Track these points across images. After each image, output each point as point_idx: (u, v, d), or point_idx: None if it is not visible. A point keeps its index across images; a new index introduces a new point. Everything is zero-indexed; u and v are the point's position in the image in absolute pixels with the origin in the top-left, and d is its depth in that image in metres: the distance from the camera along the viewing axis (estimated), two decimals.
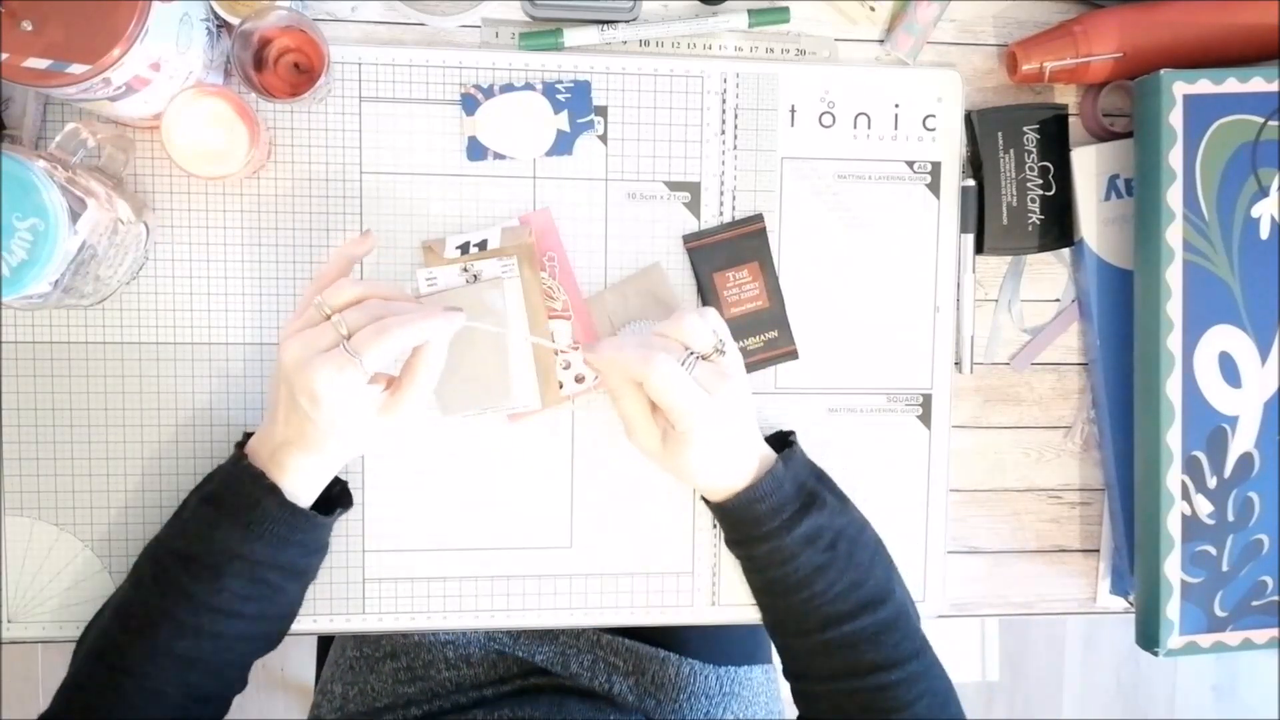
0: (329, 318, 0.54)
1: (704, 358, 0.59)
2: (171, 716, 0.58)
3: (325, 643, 0.96)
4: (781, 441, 0.66)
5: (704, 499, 0.66)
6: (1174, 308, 0.64)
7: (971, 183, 0.70)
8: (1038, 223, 0.70)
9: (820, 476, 0.65)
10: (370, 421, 0.56)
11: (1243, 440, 0.66)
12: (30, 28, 0.50)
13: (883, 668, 0.61)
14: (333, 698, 0.83)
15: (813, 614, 0.62)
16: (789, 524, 0.61)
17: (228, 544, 0.57)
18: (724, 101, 0.68)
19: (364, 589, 0.68)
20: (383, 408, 0.56)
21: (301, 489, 0.59)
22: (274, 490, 0.57)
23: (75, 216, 0.53)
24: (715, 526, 0.70)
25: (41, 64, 0.51)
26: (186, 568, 0.58)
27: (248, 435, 0.62)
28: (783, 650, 0.66)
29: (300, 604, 0.64)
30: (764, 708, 0.88)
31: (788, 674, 0.66)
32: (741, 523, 0.62)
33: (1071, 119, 0.70)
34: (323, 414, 0.54)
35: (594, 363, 0.60)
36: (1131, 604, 0.72)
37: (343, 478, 0.66)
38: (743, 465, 0.61)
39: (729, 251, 0.68)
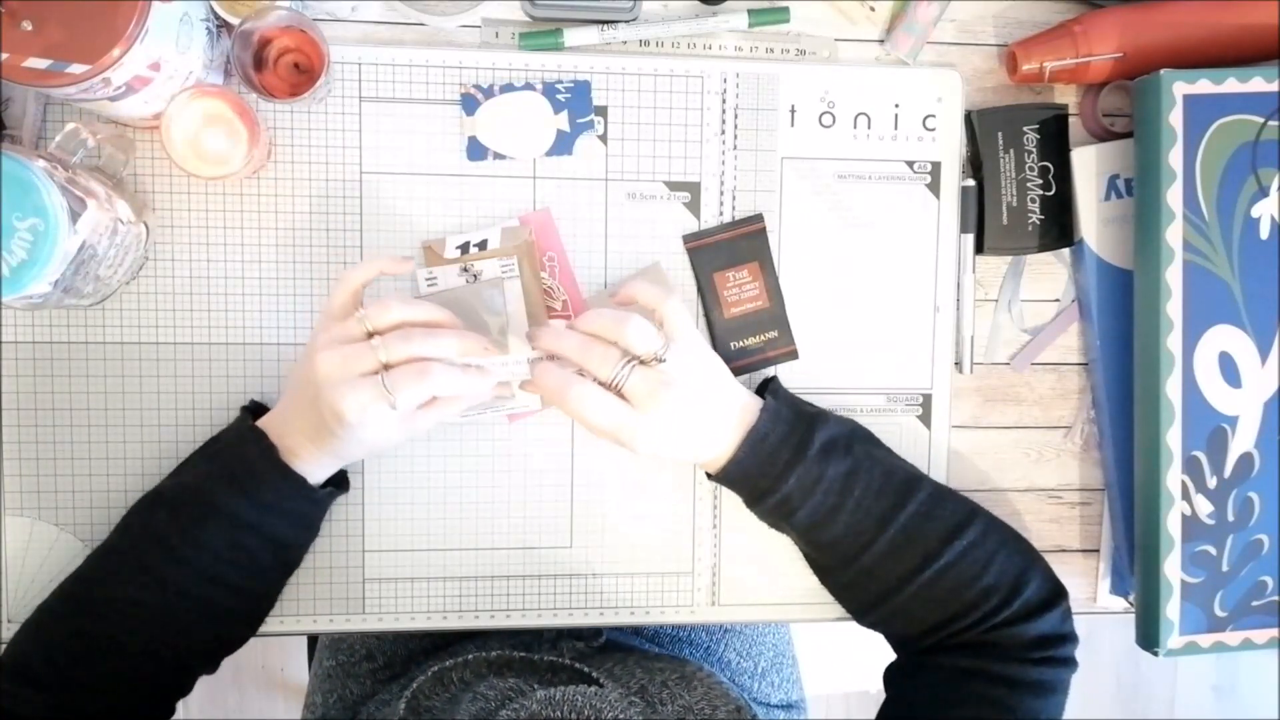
0: (370, 336, 0.55)
1: (643, 362, 0.58)
2: (127, 667, 0.58)
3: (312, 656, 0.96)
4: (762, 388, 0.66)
5: (707, 475, 0.65)
6: (1174, 308, 0.64)
7: (971, 183, 0.70)
8: (1038, 223, 0.70)
9: (804, 401, 0.65)
10: (390, 436, 0.57)
11: (1243, 440, 0.66)
12: (30, 28, 0.50)
13: (951, 537, 0.61)
14: (314, 708, 0.84)
15: (865, 521, 0.61)
16: (803, 445, 0.61)
17: (213, 496, 0.58)
18: (724, 101, 0.68)
19: (364, 589, 0.68)
20: (404, 423, 0.57)
21: (307, 475, 0.60)
22: (270, 451, 0.58)
23: (75, 216, 0.53)
24: (715, 526, 0.70)
25: (41, 64, 0.51)
26: (169, 518, 0.59)
27: (253, 401, 0.64)
28: (852, 588, 0.65)
29: (277, 594, 0.65)
30: (770, 647, 0.88)
31: (866, 608, 0.65)
32: (756, 470, 0.61)
33: (1071, 119, 0.70)
34: (346, 431, 0.56)
35: (526, 386, 0.62)
36: (1131, 604, 0.72)
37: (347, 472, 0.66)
38: (717, 433, 0.61)
39: (729, 251, 0.68)
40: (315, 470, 0.60)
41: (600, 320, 0.58)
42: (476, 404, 0.65)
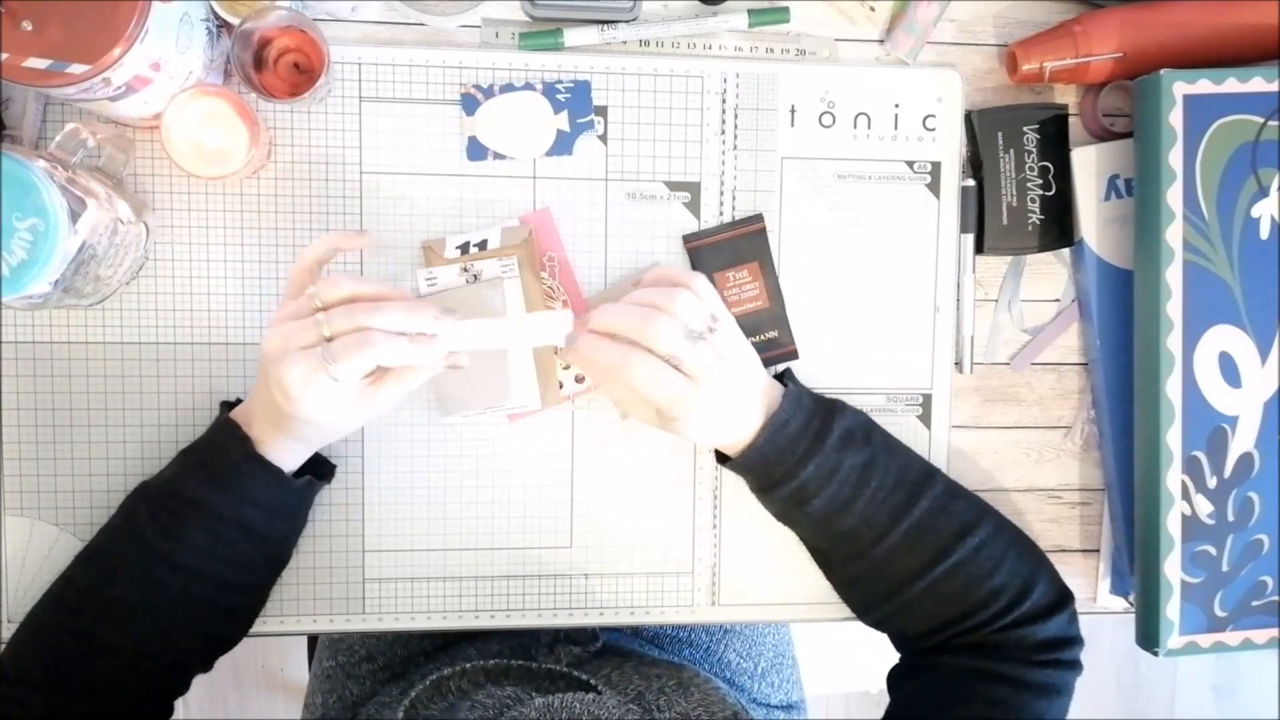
0: (317, 311, 0.54)
1: (699, 336, 0.58)
2: (122, 667, 0.58)
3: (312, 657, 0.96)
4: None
5: (719, 460, 0.65)
6: (1174, 308, 0.64)
7: (971, 183, 0.70)
8: (1038, 223, 0.70)
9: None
10: (344, 414, 0.56)
11: (1243, 440, 0.66)
12: (30, 28, 0.50)
13: (963, 534, 0.61)
14: (314, 708, 0.84)
15: (879, 514, 0.61)
16: (822, 434, 0.61)
17: (192, 492, 0.58)
18: (724, 101, 0.68)
19: (364, 589, 0.68)
20: (359, 400, 0.56)
21: (278, 463, 0.59)
22: (244, 442, 0.58)
23: (75, 216, 0.53)
24: (715, 526, 0.70)
25: (41, 64, 0.51)
26: (149, 515, 0.58)
27: (238, 398, 0.64)
28: (861, 582, 0.65)
29: (269, 588, 0.64)
30: (770, 648, 0.87)
31: (872, 604, 0.65)
32: (774, 456, 0.61)
33: (1071, 119, 0.70)
34: (293, 407, 0.54)
35: (572, 361, 0.59)
36: (1131, 604, 0.72)
37: (334, 462, 0.66)
38: (749, 415, 0.60)
39: (729, 251, 0.68)
40: (284, 457, 0.59)
41: (648, 295, 0.57)
42: (476, 405, 0.65)
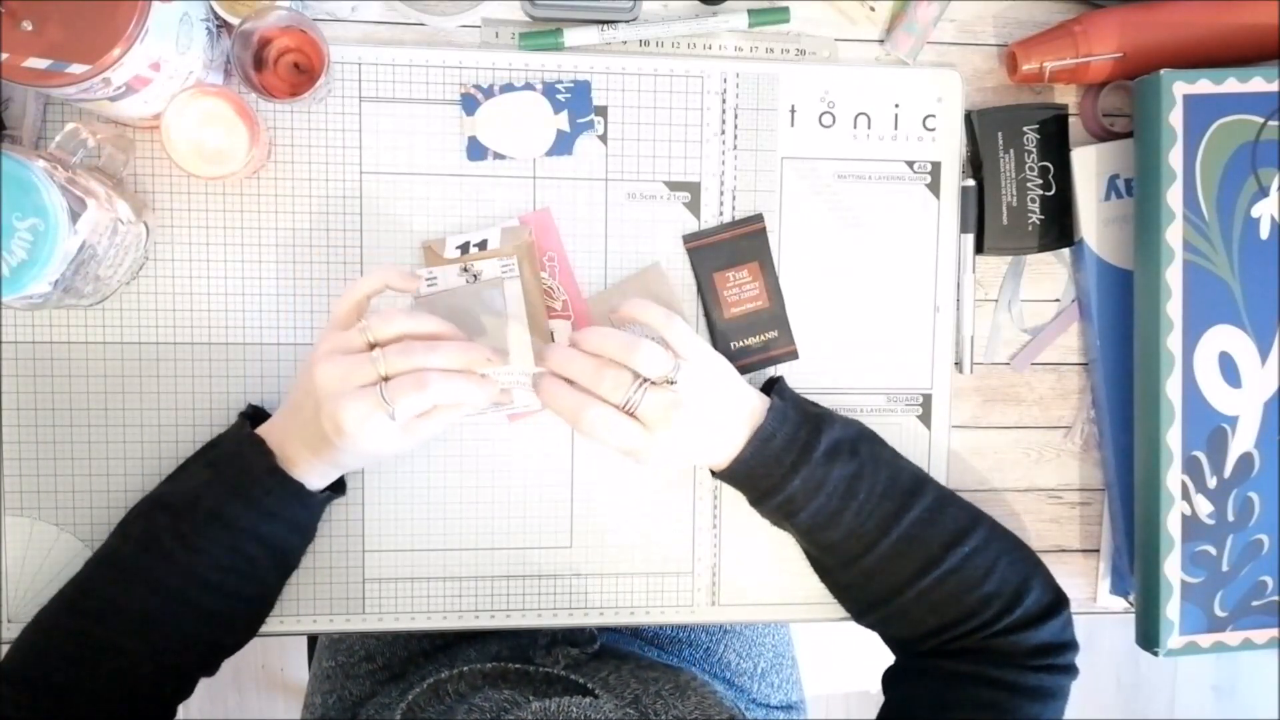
0: (371, 346, 0.55)
1: (654, 383, 0.58)
2: (129, 673, 0.58)
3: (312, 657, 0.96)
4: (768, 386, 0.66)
5: (711, 473, 0.65)
6: (1174, 308, 0.64)
7: (971, 183, 0.70)
8: (1038, 223, 0.70)
9: (810, 402, 0.65)
10: (391, 446, 0.57)
11: (1243, 440, 0.66)
12: (30, 28, 0.50)
13: (954, 543, 0.62)
14: (314, 708, 0.84)
15: (867, 525, 0.61)
16: (808, 447, 0.61)
17: (213, 505, 0.58)
18: (724, 101, 0.68)
19: (364, 589, 0.68)
20: (405, 432, 0.56)
21: (306, 482, 0.60)
22: (270, 460, 0.58)
23: (75, 216, 0.53)
24: (715, 526, 0.70)
25: (41, 64, 0.51)
26: (169, 525, 0.59)
27: (252, 406, 0.64)
28: (852, 589, 0.65)
29: (276, 597, 0.65)
30: (770, 648, 0.88)
31: (865, 609, 0.66)
32: (761, 470, 0.61)
33: (1071, 119, 0.70)
34: (345, 441, 0.55)
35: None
36: (1131, 604, 0.72)
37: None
38: (731, 433, 0.61)
39: (729, 251, 0.68)
40: (314, 478, 0.60)
41: (609, 342, 0.58)
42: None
